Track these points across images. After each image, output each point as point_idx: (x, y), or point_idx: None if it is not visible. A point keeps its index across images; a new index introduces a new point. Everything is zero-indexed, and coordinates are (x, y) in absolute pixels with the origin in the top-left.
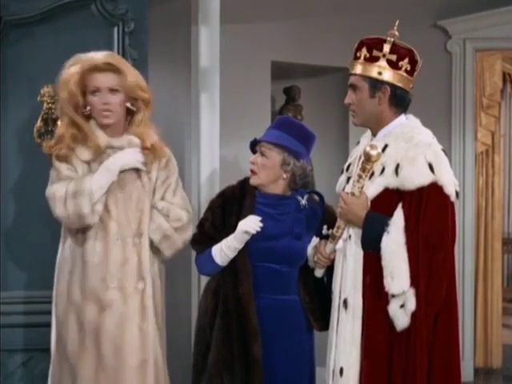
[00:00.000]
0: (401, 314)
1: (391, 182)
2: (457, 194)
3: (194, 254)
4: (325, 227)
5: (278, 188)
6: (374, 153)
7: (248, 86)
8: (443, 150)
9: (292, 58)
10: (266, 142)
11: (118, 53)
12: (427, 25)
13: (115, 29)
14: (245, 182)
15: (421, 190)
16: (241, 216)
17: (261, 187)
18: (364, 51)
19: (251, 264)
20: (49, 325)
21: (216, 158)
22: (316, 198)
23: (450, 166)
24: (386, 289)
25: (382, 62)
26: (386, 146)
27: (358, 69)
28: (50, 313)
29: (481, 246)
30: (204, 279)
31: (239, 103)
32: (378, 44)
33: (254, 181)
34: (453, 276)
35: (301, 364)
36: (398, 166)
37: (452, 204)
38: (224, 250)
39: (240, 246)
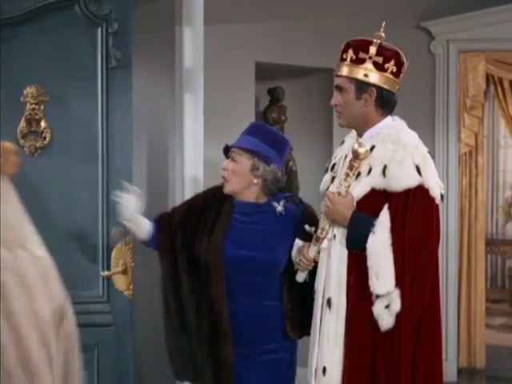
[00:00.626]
0: (385, 314)
1: (378, 182)
2: (442, 196)
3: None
4: (306, 226)
5: (252, 194)
6: (362, 150)
7: (232, 87)
8: (429, 153)
9: (276, 59)
10: (236, 147)
11: (102, 53)
12: (411, 26)
13: (99, 29)
14: (217, 186)
15: (407, 192)
16: (218, 221)
17: (235, 195)
18: (350, 53)
19: (226, 271)
20: None
21: (200, 159)
22: (295, 199)
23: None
24: (371, 289)
25: (368, 64)
26: (372, 147)
27: (344, 70)
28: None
29: (464, 246)
30: None
31: (223, 104)
32: (364, 46)
33: (226, 189)
34: (436, 278)
35: (277, 373)
36: (385, 167)
37: (437, 206)
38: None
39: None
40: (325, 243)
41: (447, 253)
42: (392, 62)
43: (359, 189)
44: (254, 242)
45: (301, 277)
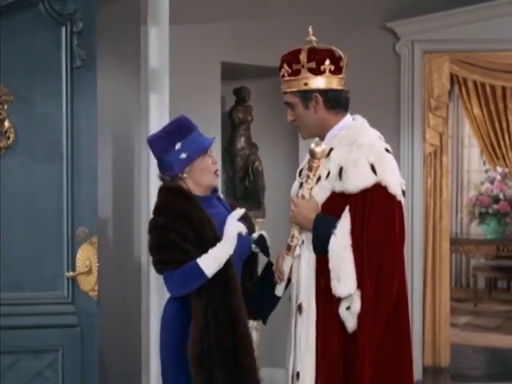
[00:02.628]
0: (348, 316)
1: (336, 185)
2: (403, 192)
3: (144, 254)
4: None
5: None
6: (318, 149)
7: (198, 87)
8: (387, 150)
9: (242, 59)
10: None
11: (66, 53)
12: (376, 26)
13: (63, 28)
14: (176, 192)
15: (365, 192)
16: (206, 227)
17: (208, 190)
18: (286, 68)
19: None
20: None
21: None
22: None
23: (399, 166)
24: (333, 291)
25: (305, 73)
26: (331, 150)
27: (286, 86)
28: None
29: (429, 246)
30: (154, 279)
31: (189, 104)
32: (294, 57)
33: (217, 182)
34: (403, 275)
35: None
36: (341, 170)
37: (399, 203)
38: (218, 260)
39: (232, 251)
40: (298, 250)
41: (412, 252)
42: (327, 62)
43: (320, 193)
44: None
45: (279, 290)
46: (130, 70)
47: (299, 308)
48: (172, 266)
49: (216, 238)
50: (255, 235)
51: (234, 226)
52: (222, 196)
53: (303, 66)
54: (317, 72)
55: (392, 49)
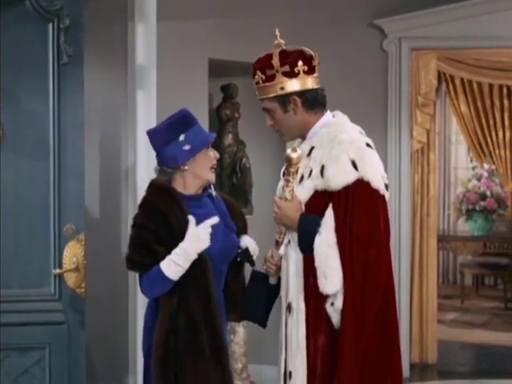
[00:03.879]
0: (332, 312)
1: (318, 184)
2: (386, 186)
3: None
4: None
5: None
6: (294, 155)
7: (185, 84)
8: (368, 145)
9: (229, 56)
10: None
11: (53, 49)
12: (363, 24)
13: (50, 25)
14: (162, 189)
15: (347, 189)
16: (182, 224)
17: (200, 188)
18: (259, 75)
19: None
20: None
21: (153, 156)
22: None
23: (386, 163)
24: (320, 289)
25: (279, 78)
26: (312, 148)
27: (263, 93)
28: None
29: (416, 242)
30: None
31: (176, 101)
32: (266, 63)
33: (214, 178)
34: (390, 272)
35: None
36: (323, 168)
37: (382, 197)
38: (178, 262)
39: (194, 254)
40: (282, 250)
41: (399, 249)
42: (300, 63)
43: (303, 192)
44: (223, 230)
45: (272, 279)
46: (117, 67)
47: (289, 307)
48: (141, 269)
49: None
50: (242, 244)
51: (195, 229)
52: (214, 194)
53: (277, 71)
54: (291, 75)
55: (379, 46)
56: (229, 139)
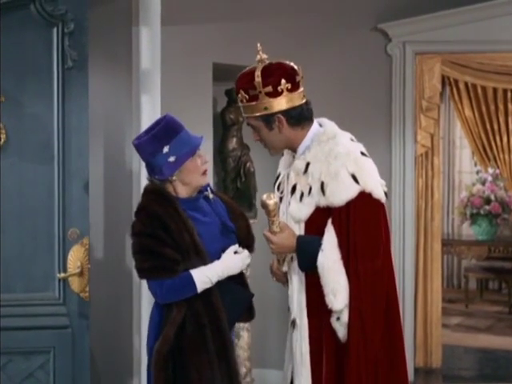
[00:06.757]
0: (339, 327)
1: (320, 201)
2: (385, 194)
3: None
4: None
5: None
6: (270, 202)
7: (189, 88)
8: (363, 153)
9: (233, 60)
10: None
11: (58, 54)
12: (367, 28)
13: (54, 29)
14: (156, 194)
15: (349, 203)
16: (183, 230)
17: (186, 191)
18: (243, 94)
19: None
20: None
21: None
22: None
23: (390, 168)
24: (329, 306)
25: (263, 98)
26: (308, 164)
27: (248, 111)
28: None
29: (420, 247)
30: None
31: (180, 105)
32: (249, 82)
33: (206, 181)
34: (392, 277)
35: None
36: (322, 184)
37: (383, 206)
38: (212, 280)
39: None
40: (285, 266)
41: (404, 253)
42: (283, 82)
43: (304, 209)
44: (221, 231)
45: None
46: (122, 71)
47: (293, 323)
48: (155, 274)
49: (194, 241)
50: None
51: (234, 256)
52: (211, 197)
53: (260, 92)
54: (275, 95)
55: (383, 50)
56: (233, 143)
